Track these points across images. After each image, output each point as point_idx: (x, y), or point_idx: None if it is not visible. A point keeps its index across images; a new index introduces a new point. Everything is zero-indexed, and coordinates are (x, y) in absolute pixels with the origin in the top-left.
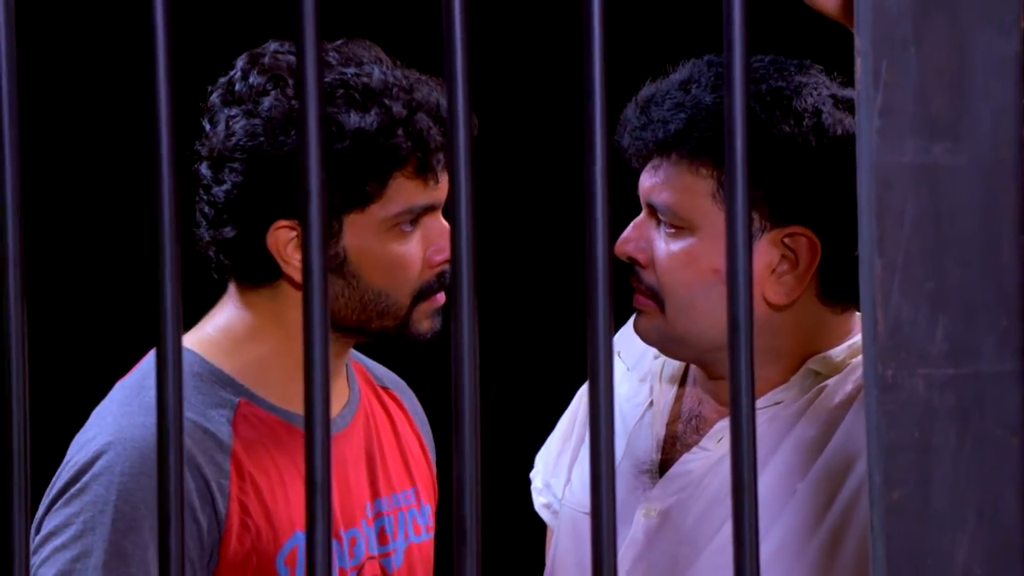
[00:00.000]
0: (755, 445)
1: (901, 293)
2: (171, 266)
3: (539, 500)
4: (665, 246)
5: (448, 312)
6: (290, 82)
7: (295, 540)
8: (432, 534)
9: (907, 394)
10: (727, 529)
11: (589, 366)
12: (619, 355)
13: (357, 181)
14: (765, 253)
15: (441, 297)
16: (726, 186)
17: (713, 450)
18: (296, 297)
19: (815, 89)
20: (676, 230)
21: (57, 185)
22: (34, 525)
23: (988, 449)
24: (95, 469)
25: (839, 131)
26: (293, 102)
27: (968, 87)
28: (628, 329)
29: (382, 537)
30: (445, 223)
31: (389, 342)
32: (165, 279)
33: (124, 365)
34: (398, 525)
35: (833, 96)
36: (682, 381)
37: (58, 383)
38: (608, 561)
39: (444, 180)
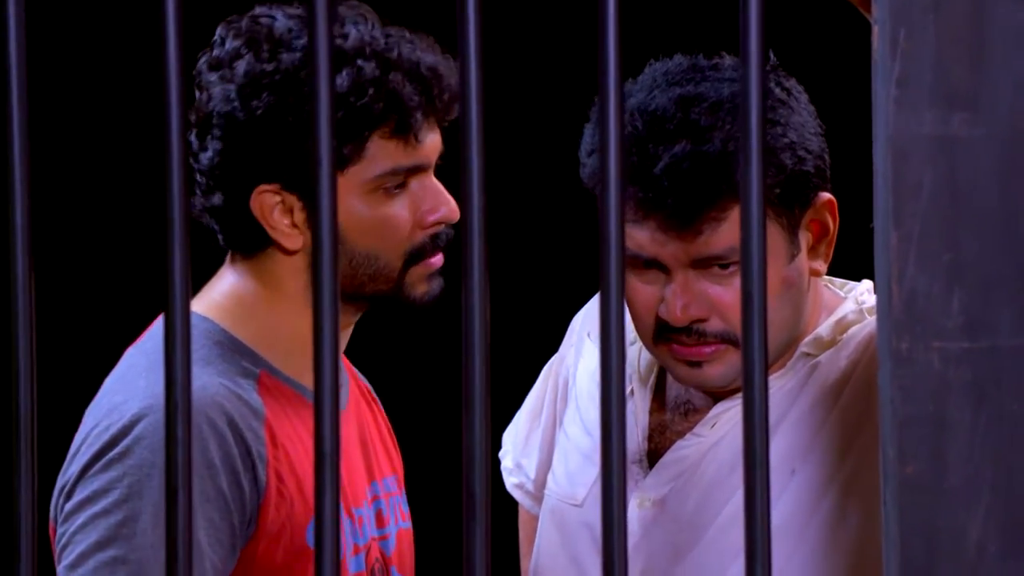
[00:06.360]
0: (767, 419)
1: (917, 266)
2: (180, 235)
3: (510, 480)
4: (725, 288)
5: (447, 275)
6: (264, 46)
7: None
8: (410, 523)
9: (922, 368)
10: (727, 512)
11: (601, 359)
12: (588, 336)
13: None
14: (804, 235)
15: (437, 260)
16: (741, 167)
17: (707, 435)
18: (290, 265)
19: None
20: (734, 265)
21: (60, 158)
22: (60, 493)
23: (1004, 424)
24: (136, 433)
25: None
26: (266, 66)
27: (988, 57)
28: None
29: (380, 520)
30: (437, 183)
31: (389, 307)
32: (175, 248)
33: (117, 335)
34: (390, 510)
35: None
36: (661, 369)
37: (58, 355)
38: (619, 559)
39: (430, 140)
